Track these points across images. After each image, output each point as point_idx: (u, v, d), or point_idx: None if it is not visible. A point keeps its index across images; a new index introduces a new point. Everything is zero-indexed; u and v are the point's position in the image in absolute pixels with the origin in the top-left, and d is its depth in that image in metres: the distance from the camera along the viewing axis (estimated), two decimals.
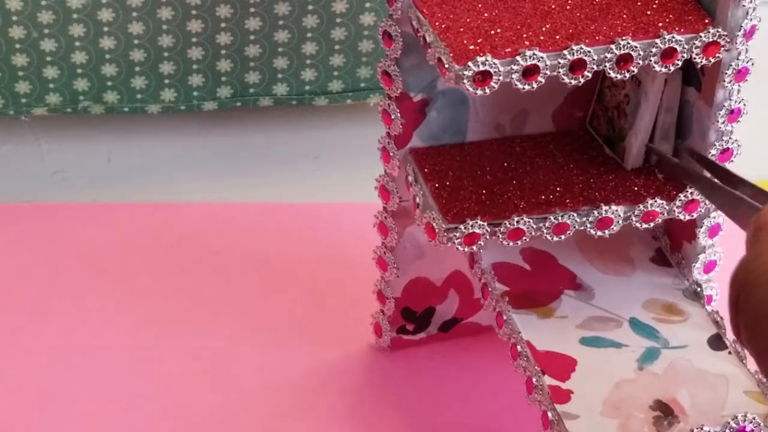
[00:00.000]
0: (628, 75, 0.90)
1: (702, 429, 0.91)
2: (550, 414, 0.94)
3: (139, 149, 1.39)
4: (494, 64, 0.86)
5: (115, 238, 1.27)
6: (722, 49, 0.91)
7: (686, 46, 0.90)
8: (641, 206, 0.96)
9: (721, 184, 0.89)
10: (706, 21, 0.91)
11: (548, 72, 0.88)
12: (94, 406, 1.10)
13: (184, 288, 1.22)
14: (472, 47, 0.87)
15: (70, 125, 1.40)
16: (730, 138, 0.96)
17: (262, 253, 1.26)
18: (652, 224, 0.97)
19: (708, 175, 0.93)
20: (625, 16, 0.91)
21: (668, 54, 0.90)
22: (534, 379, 0.96)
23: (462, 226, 0.94)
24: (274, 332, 1.17)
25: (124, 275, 1.23)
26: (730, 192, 0.88)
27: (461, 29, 0.89)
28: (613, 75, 0.89)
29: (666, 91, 0.97)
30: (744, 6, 0.90)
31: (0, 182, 1.34)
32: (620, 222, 0.97)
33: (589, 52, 0.88)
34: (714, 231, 1.01)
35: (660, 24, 0.90)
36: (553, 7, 0.91)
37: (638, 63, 0.90)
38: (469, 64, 0.86)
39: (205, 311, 1.19)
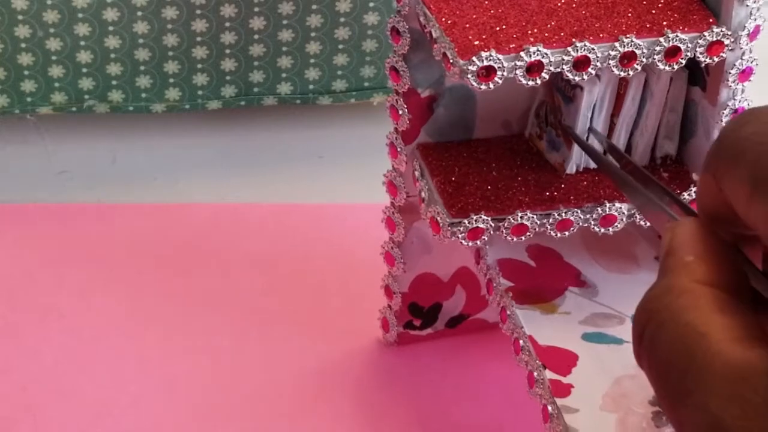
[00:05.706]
0: (632, 73, 0.90)
1: None
2: (550, 408, 0.94)
3: (144, 149, 1.39)
4: (498, 59, 0.87)
5: (121, 238, 1.27)
6: (726, 48, 0.91)
7: (690, 45, 0.90)
8: None
9: (642, 188, 0.80)
10: (711, 20, 0.91)
11: (552, 68, 0.88)
12: (100, 405, 1.10)
13: (189, 287, 1.22)
14: (477, 43, 0.88)
15: (74, 125, 1.40)
16: None
17: (267, 252, 1.26)
18: None
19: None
20: (630, 14, 0.91)
21: (672, 52, 0.90)
22: (535, 374, 0.96)
23: (466, 221, 0.94)
24: (280, 330, 1.18)
25: (129, 275, 1.23)
26: (648, 195, 0.78)
27: (467, 25, 0.89)
28: (617, 72, 0.90)
29: (671, 91, 0.97)
30: (748, 6, 0.91)
31: (5, 182, 1.35)
32: (624, 219, 0.97)
33: (593, 49, 0.88)
34: None
35: (664, 23, 0.91)
36: (558, 5, 0.92)
37: (642, 61, 0.90)
38: (474, 59, 0.87)
39: (211, 310, 1.20)
